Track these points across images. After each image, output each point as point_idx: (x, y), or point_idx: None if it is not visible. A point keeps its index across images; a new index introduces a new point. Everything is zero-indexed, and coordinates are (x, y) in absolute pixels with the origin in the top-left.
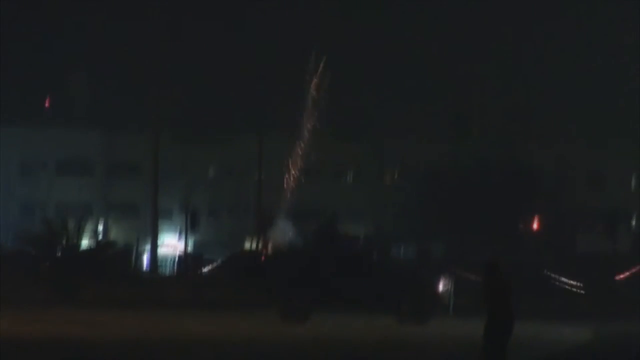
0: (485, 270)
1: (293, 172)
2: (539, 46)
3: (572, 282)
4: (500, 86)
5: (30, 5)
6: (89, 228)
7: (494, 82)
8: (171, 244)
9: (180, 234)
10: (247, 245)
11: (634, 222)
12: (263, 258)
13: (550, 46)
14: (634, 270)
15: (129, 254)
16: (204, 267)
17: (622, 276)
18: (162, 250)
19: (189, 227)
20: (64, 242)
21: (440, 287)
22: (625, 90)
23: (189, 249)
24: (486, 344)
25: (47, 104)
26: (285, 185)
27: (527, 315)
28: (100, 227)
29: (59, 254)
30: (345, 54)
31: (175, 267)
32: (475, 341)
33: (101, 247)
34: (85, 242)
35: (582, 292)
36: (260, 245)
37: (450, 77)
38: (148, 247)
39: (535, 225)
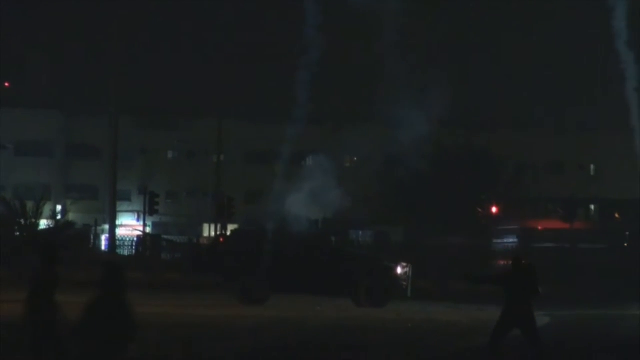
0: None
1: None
2: (496, 35)
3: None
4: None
5: None
6: (47, 209)
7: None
8: (130, 225)
9: (138, 215)
10: (205, 227)
11: (592, 208)
12: (221, 240)
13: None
14: None
15: (88, 234)
16: (163, 248)
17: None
18: (120, 232)
19: (148, 209)
20: (22, 222)
21: (399, 270)
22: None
23: (148, 230)
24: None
25: (6, 85)
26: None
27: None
28: (59, 208)
29: (17, 234)
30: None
31: (134, 249)
32: (434, 324)
33: (60, 227)
34: (43, 223)
35: None
36: (218, 228)
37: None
38: (107, 228)
39: (494, 211)
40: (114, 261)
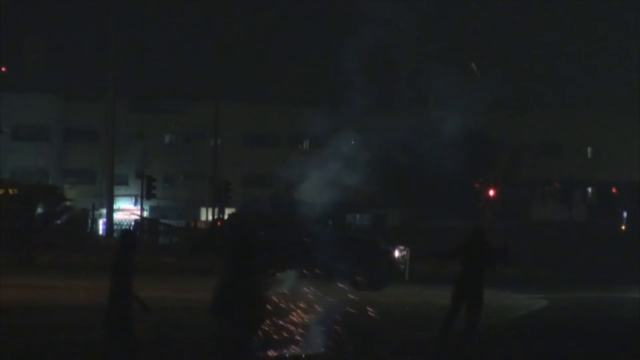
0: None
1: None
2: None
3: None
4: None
5: None
6: None
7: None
8: (127, 209)
9: (136, 199)
10: (203, 210)
11: (589, 190)
12: (219, 223)
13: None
14: None
15: (85, 219)
16: (160, 232)
17: None
18: (118, 216)
19: (145, 193)
20: (19, 206)
21: (396, 254)
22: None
23: (145, 214)
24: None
25: (3, 69)
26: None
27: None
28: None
29: (15, 219)
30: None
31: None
32: (431, 307)
33: (57, 212)
34: (41, 207)
35: None
36: (216, 211)
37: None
38: (104, 212)
39: (491, 194)
40: (245, 235)
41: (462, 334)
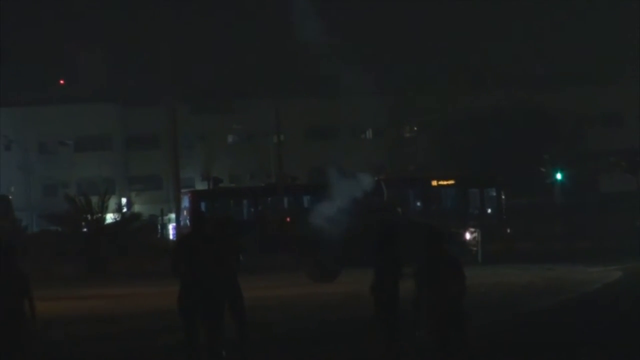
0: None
1: None
2: None
3: None
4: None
5: None
6: (112, 202)
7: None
8: None
9: None
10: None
11: None
12: (288, 219)
13: None
14: None
15: (155, 225)
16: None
17: None
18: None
19: None
20: (88, 218)
21: (467, 236)
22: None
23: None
24: None
25: (61, 82)
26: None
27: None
28: (124, 201)
29: (84, 231)
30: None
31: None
32: (506, 286)
33: (126, 220)
34: (110, 217)
35: None
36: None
37: (464, 29)
38: (173, 217)
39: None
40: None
41: None
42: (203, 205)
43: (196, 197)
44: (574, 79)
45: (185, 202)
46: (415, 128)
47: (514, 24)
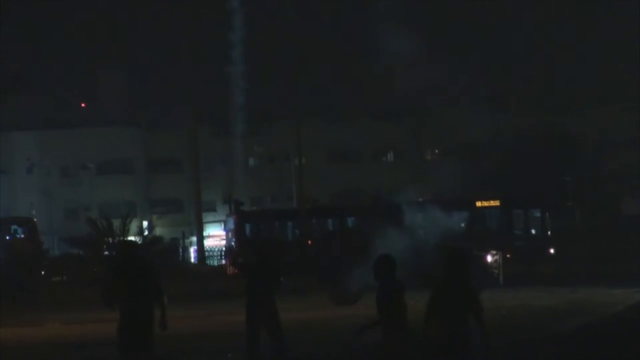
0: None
1: None
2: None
3: None
4: (536, 58)
5: (64, 7)
6: (134, 225)
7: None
8: (217, 235)
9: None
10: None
11: None
12: (309, 242)
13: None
14: None
15: (176, 248)
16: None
17: None
18: (208, 242)
19: None
20: (110, 241)
21: (489, 259)
22: None
23: None
24: None
25: (82, 105)
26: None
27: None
28: (146, 224)
29: (106, 254)
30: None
31: (224, 259)
32: (527, 309)
33: (147, 243)
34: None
35: None
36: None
37: (487, 52)
38: (194, 240)
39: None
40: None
41: None
42: (248, 227)
43: (241, 219)
44: (597, 101)
45: (230, 224)
46: (437, 150)
47: (535, 45)
